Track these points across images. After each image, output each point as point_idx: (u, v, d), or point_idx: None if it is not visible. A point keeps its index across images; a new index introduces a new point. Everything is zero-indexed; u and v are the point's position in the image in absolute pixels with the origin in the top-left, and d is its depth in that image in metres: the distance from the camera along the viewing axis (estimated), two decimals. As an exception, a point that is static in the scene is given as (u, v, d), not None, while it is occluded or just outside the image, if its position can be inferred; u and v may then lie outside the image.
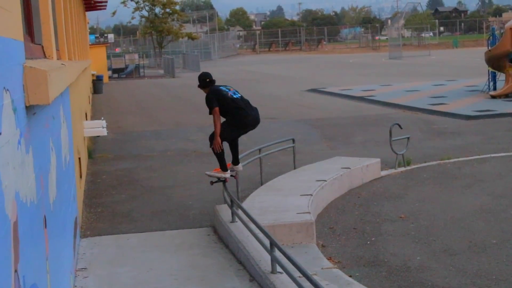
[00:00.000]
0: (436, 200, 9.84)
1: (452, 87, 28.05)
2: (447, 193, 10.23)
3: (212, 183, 8.50)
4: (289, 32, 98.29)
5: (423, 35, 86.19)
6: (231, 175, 8.49)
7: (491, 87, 24.68)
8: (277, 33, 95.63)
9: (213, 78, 8.22)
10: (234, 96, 8.10)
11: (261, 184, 10.43)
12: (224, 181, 8.41)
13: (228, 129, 8.12)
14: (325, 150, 14.60)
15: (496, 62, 23.14)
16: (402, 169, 12.09)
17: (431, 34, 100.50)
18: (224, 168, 8.34)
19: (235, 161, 8.55)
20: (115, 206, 10.13)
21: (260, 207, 8.53)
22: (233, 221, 7.84)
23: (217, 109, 8.00)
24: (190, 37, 62.45)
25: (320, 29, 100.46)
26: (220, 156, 8.18)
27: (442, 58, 57.25)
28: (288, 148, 12.03)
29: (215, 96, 8.00)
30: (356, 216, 9.19)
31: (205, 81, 8.17)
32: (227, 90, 8.10)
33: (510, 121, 17.88)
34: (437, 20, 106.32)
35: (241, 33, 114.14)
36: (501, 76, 24.96)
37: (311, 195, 9.08)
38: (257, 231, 6.75)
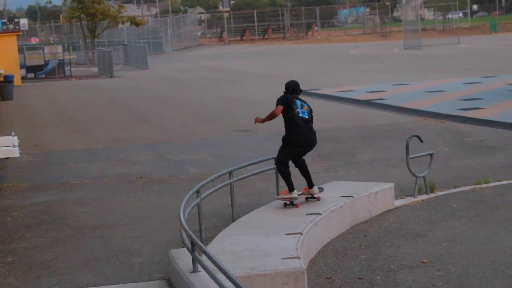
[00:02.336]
0: (471, 239, 9.90)
1: (490, 86, 28.37)
2: (486, 229, 10.30)
3: (285, 205, 10.69)
4: (269, 15, 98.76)
5: (449, 16, 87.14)
6: (306, 198, 10.88)
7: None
8: (252, 16, 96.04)
9: (295, 88, 10.97)
10: (300, 115, 10.72)
11: (233, 220, 10.41)
12: (295, 205, 10.61)
13: (285, 150, 10.92)
14: (319, 173, 14.65)
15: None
16: (424, 197, 12.15)
17: (461, 15, 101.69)
18: (290, 188, 10.66)
19: (309, 185, 10.91)
20: (32, 253, 10.03)
21: (232, 251, 8.53)
22: (194, 270, 7.82)
23: (279, 108, 10.69)
24: (134, 22, 62.47)
25: (311, 10, 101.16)
26: (283, 176, 10.74)
27: (476, 47, 57.94)
28: (269, 171, 12.06)
29: (285, 99, 10.75)
30: (363, 262, 9.21)
31: (287, 89, 10.99)
32: (297, 106, 10.75)
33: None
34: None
35: (203, 17, 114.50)
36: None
37: (301, 233, 9.08)
38: (228, 284, 6.73)
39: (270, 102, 26.87)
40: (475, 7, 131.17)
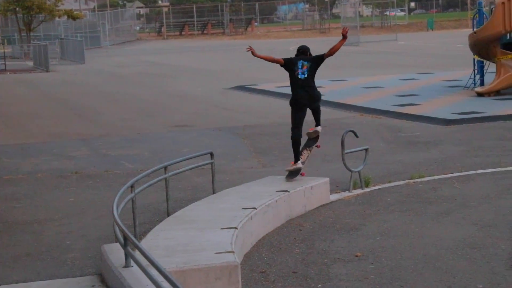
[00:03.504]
0: (404, 233, 10.01)
1: (426, 82, 28.78)
2: (418, 223, 10.44)
3: (291, 173, 11.84)
4: (208, 10, 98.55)
5: (388, 13, 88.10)
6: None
7: (477, 82, 25.44)
8: (191, 11, 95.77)
9: (305, 50, 12.22)
10: (299, 76, 11.92)
11: (168, 215, 10.37)
12: (300, 174, 11.87)
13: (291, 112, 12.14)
14: (256, 168, 14.70)
15: (483, 49, 23.88)
16: (359, 191, 12.27)
17: (399, 12, 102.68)
18: (296, 159, 11.91)
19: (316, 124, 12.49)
20: (-39, 249, 9.87)
21: (165, 246, 8.50)
22: (127, 265, 7.77)
23: (280, 59, 12.15)
24: (71, 16, 61.71)
25: (250, 5, 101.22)
26: (292, 146, 12.01)
27: (413, 44, 58.68)
28: (206, 166, 12.05)
29: (288, 60, 12.05)
30: (297, 256, 9.25)
31: (298, 50, 12.23)
32: (299, 66, 11.93)
33: (501, 126, 18.47)
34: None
35: (142, 11, 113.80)
36: (490, 67, 25.78)
37: (236, 228, 9.10)
38: (160, 279, 6.71)
39: (208, 98, 27.09)
40: (412, 4, 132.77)
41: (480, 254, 9.02)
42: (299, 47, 12.32)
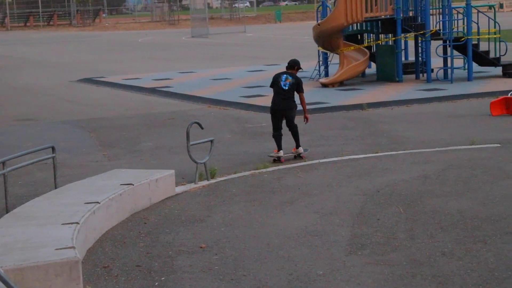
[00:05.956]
0: (248, 223, 10.14)
1: (273, 74, 28.95)
2: (263, 213, 10.59)
3: (274, 160, 13.81)
4: (54, 1, 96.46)
5: (236, 5, 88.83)
6: (294, 156, 14.08)
7: (322, 73, 26.04)
8: (36, 2, 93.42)
9: (293, 65, 14.23)
10: (281, 86, 13.97)
11: (7, 212, 10.11)
12: (280, 161, 13.77)
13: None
14: (101, 162, 14.52)
15: (327, 40, 24.47)
16: (205, 183, 12.33)
17: (247, 4, 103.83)
18: (278, 148, 13.88)
19: (296, 146, 14.13)
20: None
21: (2, 244, 8.27)
22: (-39, 265, 7.51)
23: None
24: None
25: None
26: (274, 139, 14.06)
27: (261, 36, 59.45)
28: (49, 160, 11.80)
29: (272, 79, 14.29)
30: (141, 249, 9.21)
31: (287, 65, 14.37)
32: (282, 79, 13.99)
33: (344, 116, 18.97)
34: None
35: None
36: (334, 59, 26.43)
37: (78, 223, 8.95)
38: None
39: (54, 90, 26.53)
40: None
41: (321, 241, 9.23)
42: (289, 61, 14.35)
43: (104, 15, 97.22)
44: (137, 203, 10.87)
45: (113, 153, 15.47)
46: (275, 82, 14.05)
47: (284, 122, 14.11)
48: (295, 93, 14.03)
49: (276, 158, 13.81)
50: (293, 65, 14.21)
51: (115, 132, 17.79)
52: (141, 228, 10.09)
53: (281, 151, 13.83)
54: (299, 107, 14.30)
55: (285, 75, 14.02)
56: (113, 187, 10.75)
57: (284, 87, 13.89)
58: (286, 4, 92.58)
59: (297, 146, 14.07)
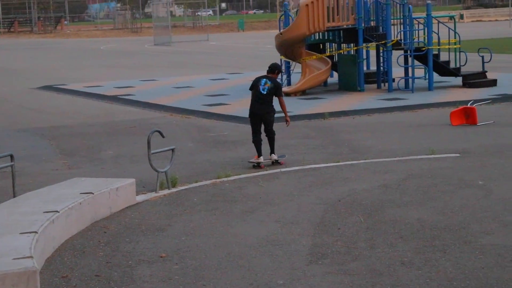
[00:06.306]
0: (209, 232, 10.11)
1: (236, 83, 29.21)
2: (224, 222, 10.56)
3: (253, 166, 14.00)
4: (15, 7, 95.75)
5: (199, 13, 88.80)
6: (272, 162, 14.24)
7: (285, 82, 26.10)
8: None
9: (274, 68, 14.41)
10: (260, 90, 14.07)
11: (-36, 221, 9.97)
12: (260, 166, 13.98)
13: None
14: (61, 170, 14.41)
15: (289, 49, 24.55)
16: (166, 192, 12.27)
17: (210, 12, 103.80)
18: (258, 154, 14.08)
19: (270, 152, 14.29)
20: None
21: (-41, 254, 8.15)
22: None
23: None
24: None
25: (60, 3, 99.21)
26: (254, 145, 14.23)
27: (224, 44, 59.47)
28: (6, 169, 11.66)
29: (252, 82, 14.34)
30: (101, 259, 9.14)
31: (269, 67, 14.46)
32: (261, 83, 14.11)
33: (306, 125, 19.02)
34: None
35: None
36: (296, 68, 26.52)
37: (36, 232, 8.85)
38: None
39: (14, 98, 26.29)
40: (224, 5, 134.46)
41: (282, 251, 9.23)
42: (270, 65, 14.49)
43: (66, 22, 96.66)
44: (97, 212, 10.79)
45: (74, 161, 15.35)
46: (254, 86, 14.19)
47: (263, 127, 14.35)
48: (275, 97, 14.26)
49: (256, 164, 14.00)
50: (274, 69, 14.39)
51: (75, 140, 17.67)
52: (101, 237, 10.02)
53: (261, 157, 14.03)
54: (280, 114, 14.71)
55: (264, 79, 14.18)
56: (73, 195, 10.66)
57: (262, 92, 14.05)
58: (255, 13, 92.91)
59: (272, 152, 14.25)
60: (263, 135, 14.28)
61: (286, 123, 14.75)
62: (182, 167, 14.00)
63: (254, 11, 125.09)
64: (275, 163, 14.18)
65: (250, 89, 14.37)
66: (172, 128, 18.72)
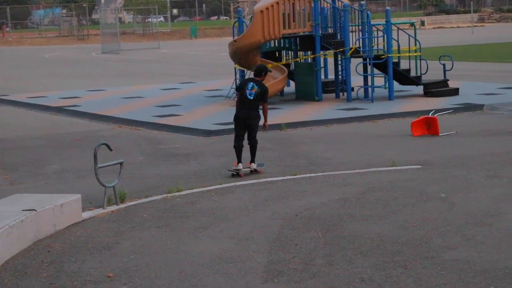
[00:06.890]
0: (160, 250, 10.04)
1: (188, 92, 29.19)
2: (175, 239, 10.50)
3: (232, 175, 14.25)
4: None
5: (150, 20, 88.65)
6: (251, 171, 14.54)
7: (238, 92, 26.07)
8: None
9: (260, 70, 14.72)
10: (247, 95, 14.28)
11: None
12: (239, 175, 14.23)
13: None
14: (2, 186, 14.27)
15: (244, 57, 24.57)
16: (114, 208, 12.17)
17: (161, 19, 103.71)
18: (238, 161, 14.34)
19: (251, 160, 14.61)
20: None
21: None
22: None
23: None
24: None
25: (1, 9, 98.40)
26: (235, 150, 14.51)
27: (175, 52, 59.41)
28: None
29: (239, 85, 14.92)
30: (44, 280, 9.02)
31: (255, 70, 14.88)
32: (248, 88, 14.34)
33: (262, 136, 18.83)
34: (168, 0, 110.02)
35: None
36: (251, 77, 26.49)
37: (-25, 252, 8.73)
38: None
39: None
40: (175, 11, 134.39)
41: (236, 269, 9.20)
42: (256, 68, 14.86)
43: (7, 29, 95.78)
44: (40, 230, 10.66)
45: (16, 176, 15.19)
46: (241, 89, 14.51)
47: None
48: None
49: (235, 173, 14.24)
50: (261, 72, 14.67)
51: (18, 154, 17.49)
52: (45, 256, 9.90)
53: (240, 164, 14.28)
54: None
55: (251, 83, 14.45)
56: (14, 213, 10.52)
57: (249, 97, 14.30)
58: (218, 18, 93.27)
59: (252, 161, 14.54)
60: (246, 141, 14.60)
61: (263, 128, 15.03)
62: (131, 182, 13.91)
63: (215, 17, 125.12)
64: (254, 172, 14.45)
65: (237, 90, 14.92)
66: (121, 141, 18.62)
